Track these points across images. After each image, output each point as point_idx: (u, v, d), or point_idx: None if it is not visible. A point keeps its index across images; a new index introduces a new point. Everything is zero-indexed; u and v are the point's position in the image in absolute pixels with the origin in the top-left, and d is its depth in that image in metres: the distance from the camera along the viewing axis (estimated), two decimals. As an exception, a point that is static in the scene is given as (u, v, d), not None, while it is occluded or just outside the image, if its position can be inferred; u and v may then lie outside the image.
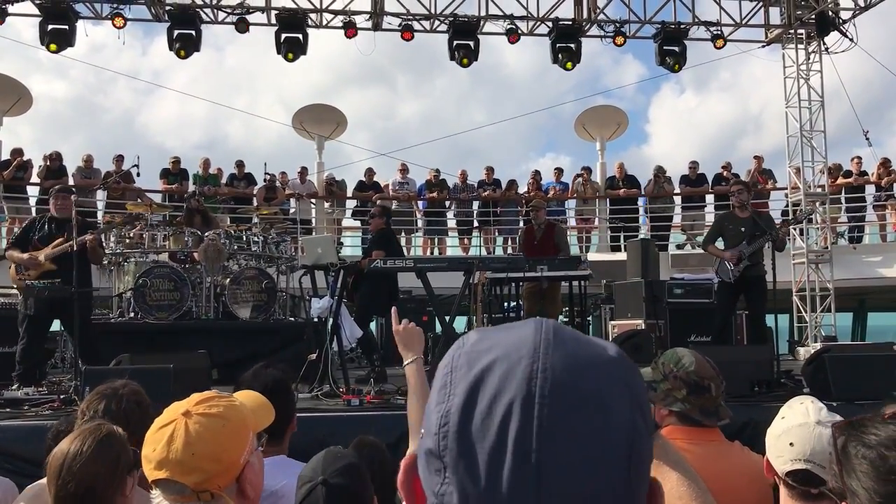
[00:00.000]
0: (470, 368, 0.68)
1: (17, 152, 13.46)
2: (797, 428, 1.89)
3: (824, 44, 12.49)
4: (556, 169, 15.15)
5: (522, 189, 14.70)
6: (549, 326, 0.70)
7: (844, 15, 12.23)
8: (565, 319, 11.21)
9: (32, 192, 13.68)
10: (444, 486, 0.66)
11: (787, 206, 13.21)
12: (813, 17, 12.24)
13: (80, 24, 11.25)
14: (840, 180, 13.87)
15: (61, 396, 5.78)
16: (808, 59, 12.70)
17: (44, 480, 2.52)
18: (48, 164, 13.29)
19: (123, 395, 2.66)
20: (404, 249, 14.44)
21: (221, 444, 1.55)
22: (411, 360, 2.39)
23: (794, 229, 12.37)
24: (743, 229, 7.79)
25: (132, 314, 8.25)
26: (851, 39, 12.05)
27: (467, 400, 0.66)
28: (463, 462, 0.65)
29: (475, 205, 14.87)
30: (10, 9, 10.99)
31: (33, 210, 13.69)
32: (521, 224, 13.26)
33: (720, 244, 8.12)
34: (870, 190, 14.18)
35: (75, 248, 6.52)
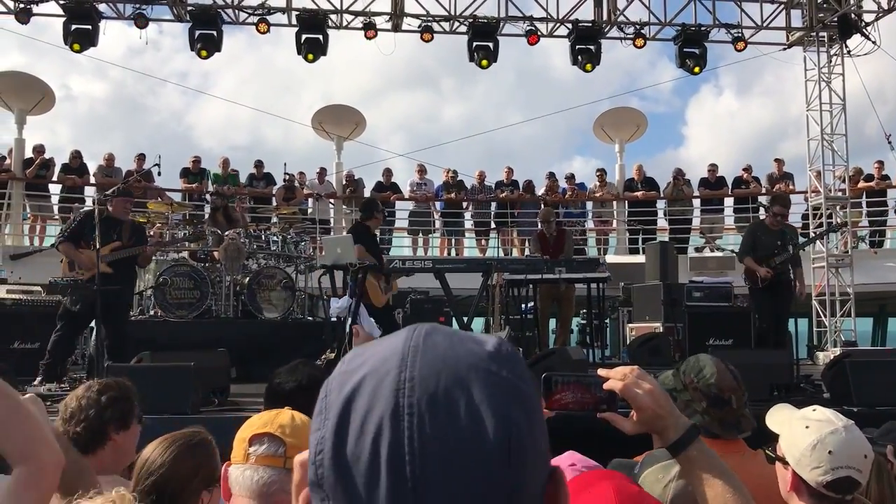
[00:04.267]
0: (341, 390, 0.66)
1: (40, 150, 13.60)
2: (831, 436, 1.85)
3: (846, 46, 12.39)
4: (566, 176, 14.99)
5: (540, 190, 14.68)
6: (420, 331, 0.68)
7: (867, 17, 12.13)
8: (583, 321, 11.21)
9: (54, 189, 13.82)
10: None
11: (806, 209, 13.13)
12: (835, 19, 12.14)
13: (103, 24, 11.36)
14: (861, 184, 13.76)
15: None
16: (830, 62, 12.60)
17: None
18: (70, 162, 13.48)
19: (92, 389, 2.66)
20: (421, 250, 14.54)
21: None
22: None
23: (814, 233, 12.29)
24: (779, 242, 7.95)
25: (152, 312, 8.33)
26: (874, 42, 11.95)
27: (339, 423, 0.64)
28: (341, 487, 0.63)
29: (493, 205, 14.85)
30: (35, 9, 11.12)
31: (55, 208, 13.85)
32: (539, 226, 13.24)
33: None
34: (892, 194, 14.04)
35: (136, 254, 7.01)
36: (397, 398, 0.63)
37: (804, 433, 1.88)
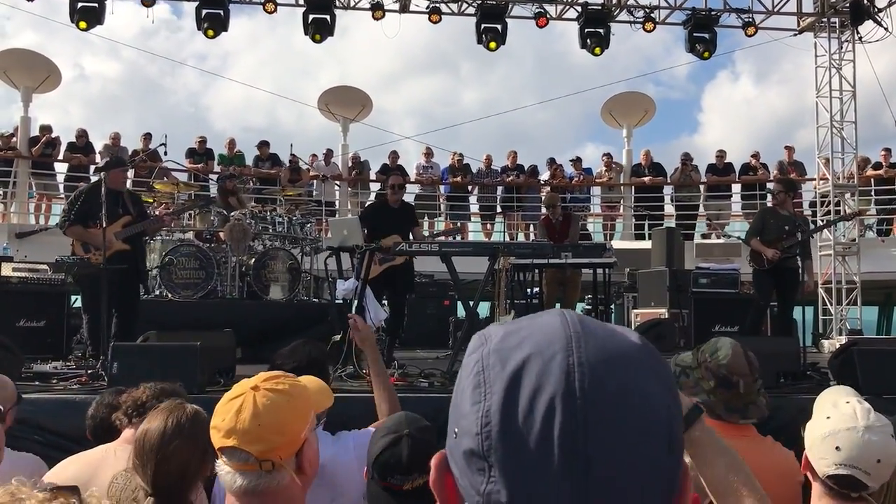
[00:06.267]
0: (503, 366, 0.69)
1: (46, 129, 13.58)
2: (845, 432, 1.83)
3: (858, 33, 12.27)
4: (571, 160, 14.93)
5: (544, 177, 14.62)
6: (574, 318, 0.71)
7: (880, 3, 12.01)
8: (588, 307, 11.20)
9: (60, 168, 13.81)
10: (490, 485, 0.66)
11: (814, 197, 13.07)
12: (847, 5, 12.03)
13: (109, 3, 11.29)
14: (869, 172, 13.67)
15: (89, 371, 5.84)
16: (841, 48, 12.49)
17: (60, 467, 2.57)
18: (76, 141, 13.46)
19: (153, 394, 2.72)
20: (426, 233, 14.50)
21: (286, 417, 1.65)
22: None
23: (822, 220, 12.25)
24: (787, 227, 7.93)
25: (158, 292, 8.33)
26: (886, 29, 11.83)
27: (506, 398, 0.67)
28: (510, 460, 0.66)
29: (499, 190, 14.81)
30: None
31: (61, 187, 13.84)
32: (544, 211, 13.22)
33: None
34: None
35: (146, 231, 7.04)
36: (569, 380, 0.66)
37: (824, 423, 1.87)
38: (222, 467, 1.64)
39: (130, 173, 12.91)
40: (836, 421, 1.86)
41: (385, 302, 7.70)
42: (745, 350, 2.49)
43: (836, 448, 1.81)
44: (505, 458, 0.66)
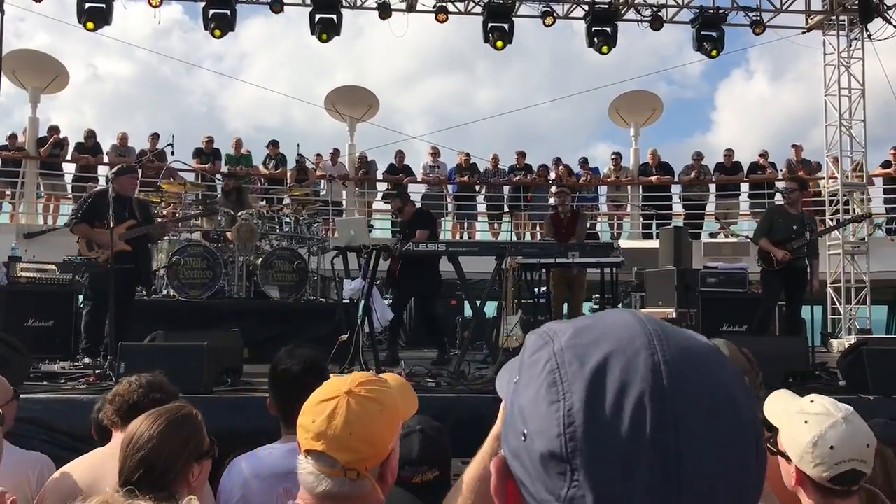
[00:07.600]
0: (582, 364, 0.65)
1: (54, 130, 13.62)
2: (830, 430, 1.81)
3: (867, 30, 12.22)
4: (580, 160, 14.90)
5: (552, 177, 14.59)
6: (647, 316, 0.69)
7: (889, 1, 11.95)
8: (595, 306, 11.17)
9: (68, 169, 13.86)
10: (573, 489, 0.63)
11: (823, 196, 13.01)
12: (856, 2, 11.97)
13: (118, 4, 11.32)
14: (878, 171, 13.61)
15: (97, 371, 5.86)
16: (850, 46, 12.43)
17: (65, 469, 2.59)
18: (84, 141, 13.49)
19: (139, 387, 2.74)
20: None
21: (378, 428, 1.59)
22: None
23: (831, 220, 12.19)
24: (795, 227, 7.88)
25: (165, 292, 8.35)
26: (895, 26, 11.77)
27: (590, 397, 0.64)
28: (597, 462, 0.62)
29: (506, 189, 14.78)
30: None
31: (69, 187, 13.88)
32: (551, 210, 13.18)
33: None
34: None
35: (153, 235, 7.20)
36: (657, 378, 0.63)
37: (804, 429, 1.85)
38: (305, 467, 1.59)
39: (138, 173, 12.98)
40: (816, 423, 1.84)
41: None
42: (739, 347, 2.49)
43: (831, 448, 1.80)
44: (591, 459, 0.62)
